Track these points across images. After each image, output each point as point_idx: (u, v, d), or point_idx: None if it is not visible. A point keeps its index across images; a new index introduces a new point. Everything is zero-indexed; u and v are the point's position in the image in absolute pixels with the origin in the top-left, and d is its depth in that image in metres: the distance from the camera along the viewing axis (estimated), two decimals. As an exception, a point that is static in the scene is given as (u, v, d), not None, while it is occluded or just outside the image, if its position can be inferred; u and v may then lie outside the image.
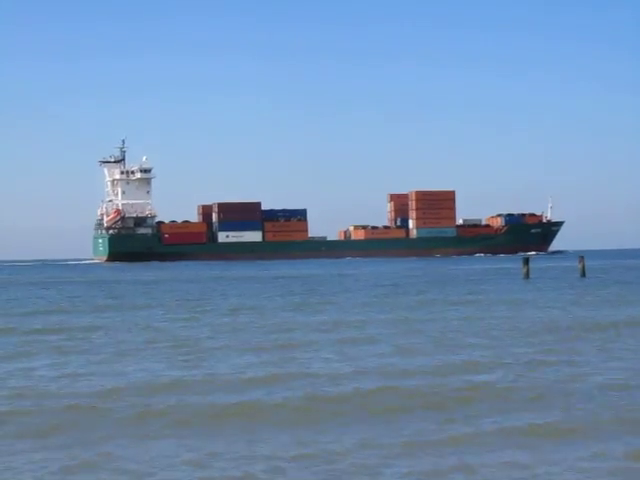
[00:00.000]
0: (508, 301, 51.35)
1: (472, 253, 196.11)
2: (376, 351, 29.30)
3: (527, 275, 79.06)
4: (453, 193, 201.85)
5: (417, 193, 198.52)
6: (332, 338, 33.30)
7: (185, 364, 26.88)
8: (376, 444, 16.74)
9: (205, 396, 21.47)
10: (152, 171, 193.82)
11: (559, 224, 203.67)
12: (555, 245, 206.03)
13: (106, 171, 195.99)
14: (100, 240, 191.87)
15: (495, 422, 18.33)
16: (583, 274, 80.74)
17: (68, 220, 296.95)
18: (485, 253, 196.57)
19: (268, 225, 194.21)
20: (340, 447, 16.54)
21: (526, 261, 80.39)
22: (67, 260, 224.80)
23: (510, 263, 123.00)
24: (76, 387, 22.92)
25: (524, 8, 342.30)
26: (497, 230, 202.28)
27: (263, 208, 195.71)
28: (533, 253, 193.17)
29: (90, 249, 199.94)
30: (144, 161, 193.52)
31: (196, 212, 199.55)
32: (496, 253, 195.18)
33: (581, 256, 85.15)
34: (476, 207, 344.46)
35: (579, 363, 25.85)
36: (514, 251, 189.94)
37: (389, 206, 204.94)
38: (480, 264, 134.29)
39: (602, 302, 49.27)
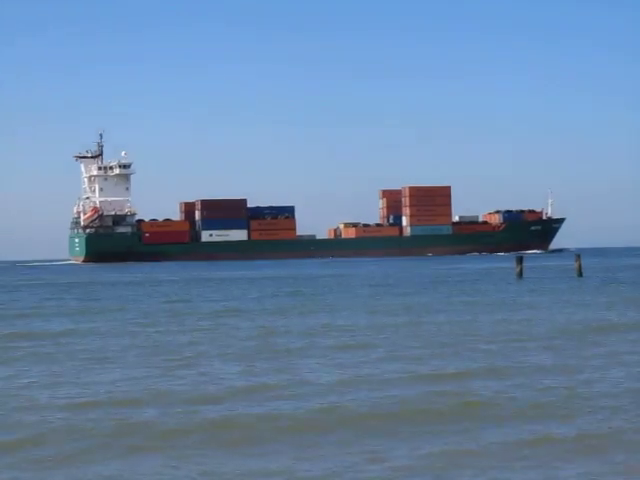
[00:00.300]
0: (497, 303, 50.84)
1: (469, 252, 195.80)
2: (371, 357, 29.02)
3: (520, 275, 79.04)
4: (449, 189, 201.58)
5: (411, 189, 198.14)
6: (324, 343, 33.00)
7: (168, 372, 26.54)
8: (383, 458, 16.51)
9: (189, 407, 21.13)
10: (131, 166, 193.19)
11: (560, 221, 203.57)
12: (556, 243, 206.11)
13: (82, 167, 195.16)
14: (77, 240, 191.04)
15: (500, 434, 18.11)
16: (580, 274, 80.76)
17: (42, 219, 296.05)
18: (483, 252, 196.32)
19: (254, 223, 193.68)
20: (348, 462, 16.28)
21: (519, 260, 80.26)
22: (41, 261, 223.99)
23: (507, 262, 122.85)
24: (51, 398, 22.57)
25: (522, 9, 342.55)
26: (495, 227, 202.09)
27: (249, 205, 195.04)
28: (533, 251, 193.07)
29: (66, 249, 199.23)
30: (123, 156, 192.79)
31: (178, 210, 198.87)
32: (494, 252, 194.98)
33: (577, 254, 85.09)
34: (473, 203, 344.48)
35: (577, 369, 25.64)
36: (513, 249, 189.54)
37: (381, 202, 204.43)
38: (474, 263, 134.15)
39: (596, 304, 48.73)
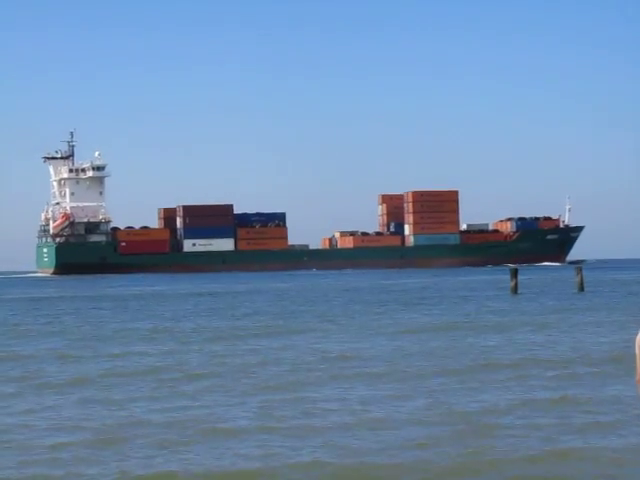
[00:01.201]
0: (481, 324, 49.74)
1: (478, 263, 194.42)
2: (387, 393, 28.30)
3: (515, 290, 79.19)
4: (456, 193, 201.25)
5: (414, 194, 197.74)
6: (328, 372, 32.19)
7: (145, 406, 25.69)
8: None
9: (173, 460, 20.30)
10: (106, 169, 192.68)
11: (579, 229, 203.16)
12: (575, 254, 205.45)
13: (52, 169, 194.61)
14: (45, 250, 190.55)
15: None
16: (581, 288, 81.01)
17: (5, 226, 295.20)
18: (493, 263, 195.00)
19: (241, 231, 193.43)
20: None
21: (514, 273, 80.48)
22: (3, 273, 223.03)
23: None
24: None
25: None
26: (507, 237, 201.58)
27: (235, 212, 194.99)
28: (547, 264, 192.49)
29: (33, 260, 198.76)
30: (96, 157, 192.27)
31: (157, 216, 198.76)
32: (506, 263, 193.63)
33: (579, 267, 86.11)
34: (483, 210, 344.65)
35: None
36: (527, 261, 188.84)
37: (381, 209, 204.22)
38: (472, 275, 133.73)
39: (590, 324, 47.62)
